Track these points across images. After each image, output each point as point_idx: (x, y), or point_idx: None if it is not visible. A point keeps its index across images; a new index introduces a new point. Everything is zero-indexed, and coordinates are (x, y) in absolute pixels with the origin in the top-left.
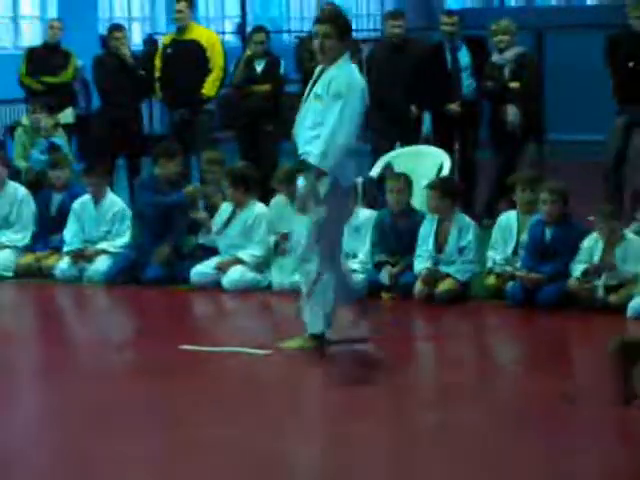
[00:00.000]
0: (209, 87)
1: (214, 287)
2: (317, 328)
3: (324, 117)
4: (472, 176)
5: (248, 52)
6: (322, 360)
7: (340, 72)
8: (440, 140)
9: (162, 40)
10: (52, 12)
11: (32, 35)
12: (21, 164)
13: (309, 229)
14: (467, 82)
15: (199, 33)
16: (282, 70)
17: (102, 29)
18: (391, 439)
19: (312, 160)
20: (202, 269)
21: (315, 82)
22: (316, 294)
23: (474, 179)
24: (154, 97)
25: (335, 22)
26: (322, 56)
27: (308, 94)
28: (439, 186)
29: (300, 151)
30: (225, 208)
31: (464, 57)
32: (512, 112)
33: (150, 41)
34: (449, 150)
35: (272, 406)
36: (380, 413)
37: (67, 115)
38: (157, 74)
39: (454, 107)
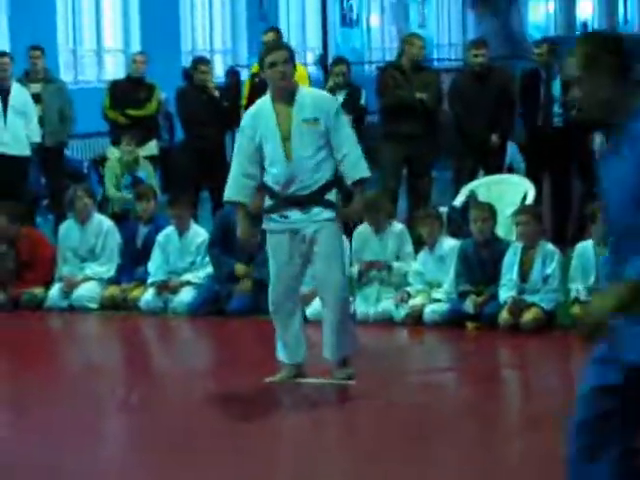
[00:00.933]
0: None
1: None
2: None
3: (333, 137)
4: (565, 205)
5: (330, 83)
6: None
7: (314, 92)
8: (529, 169)
9: (251, 69)
10: (135, 45)
11: (115, 68)
12: (114, 194)
13: None
14: (558, 112)
15: None
16: (363, 100)
17: (185, 61)
18: (478, 467)
19: (365, 174)
20: None
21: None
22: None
23: (567, 208)
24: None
25: (287, 48)
26: (286, 82)
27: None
28: (528, 211)
29: (310, 180)
30: None
31: (557, 87)
32: (599, 140)
33: (232, 73)
34: (537, 180)
35: (361, 435)
36: (466, 441)
37: (151, 147)
38: (244, 102)
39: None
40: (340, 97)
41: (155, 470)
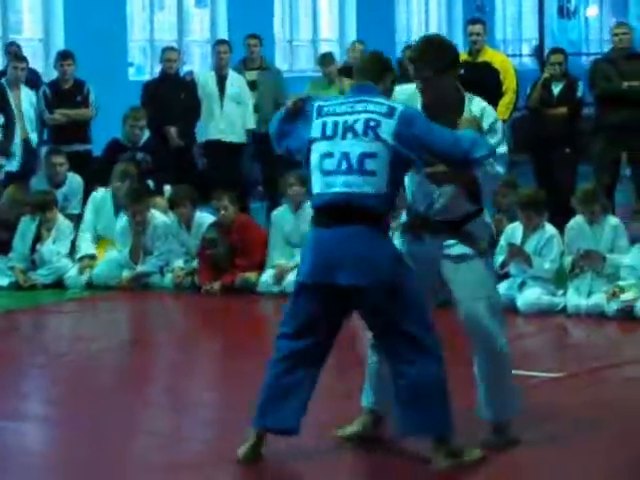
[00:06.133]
0: (503, 110)
1: (509, 309)
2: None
3: None
4: None
5: (546, 74)
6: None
7: None
8: None
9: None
10: (351, 35)
11: None
12: None
13: None
14: None
15: (492, 56)
16: (580, 93)
17: (399, 52)
18: None
19: None
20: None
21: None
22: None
23: None
24: None
25: None
26: None
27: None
28: None
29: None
30: (512, 230)
31: None
32: None
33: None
34: None
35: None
36: None
37: None
38: None
39: None
40: (556, 89)
41: None
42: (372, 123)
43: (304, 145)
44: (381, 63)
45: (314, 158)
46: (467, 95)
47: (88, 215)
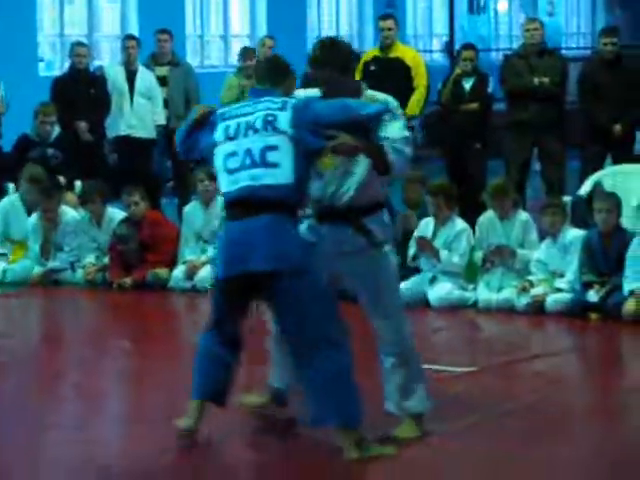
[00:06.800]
0: (413, 106)
1: (419, 305)
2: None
3: None
4: None
5: (457, 70)
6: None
7: None
8: None
9: (362, 57)
10: (262, 30)
11: None
12: None
13: None
14: None
15: (403, 52)
16: (490, 88)
17: (310, 46)
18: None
19: None
20: (407, 286)
21: None
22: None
23: None
24: None
25: None
26: None
27: None
28: None
29: None
30: (425, 225)
31: None
32: None
33: (357, 58)
34: None
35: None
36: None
37: None
38: None
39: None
40: (467, 85)
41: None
42: (270, 118)
43: (210, 152)
44: (279, 67)
45: (218, 160)
46: (370, 92)
47: None
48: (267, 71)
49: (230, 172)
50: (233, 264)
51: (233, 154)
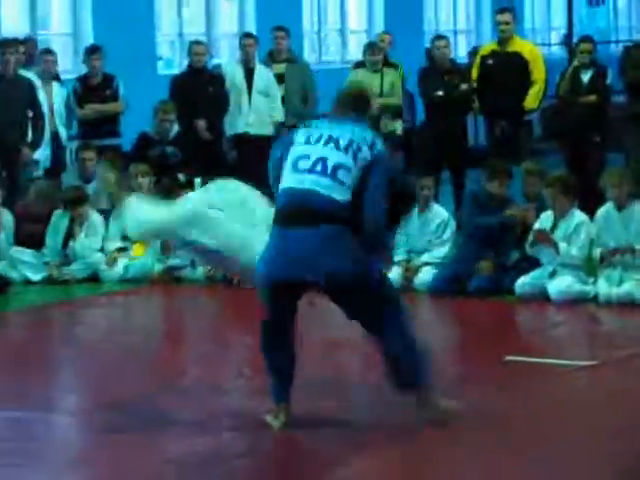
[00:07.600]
0: (532, 100)
1: (539, 298)
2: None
3: None
4: None
5: (575, 63)
6: None
7: None
8: None
9: (480, 51)
10: (379, 26)
11: (359, 49)
12: None
13: None
14: None
15: (521, 45)
16: (609, 80)
17: (427, 42)
18: None
19: None
20: (527, 280)
21: None
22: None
23: None
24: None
25: None
26: None
27: None
28: None
29: None
30: (545, 218)
31: None
32: None
33: (475, 53)
34: None
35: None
36: None
37: (397, 126)
38: (474, 85)
39: None
40: (585, 77)
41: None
42: (355, 145)
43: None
44: (363, 98)
45: (290, 157)
46: None
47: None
48: (354, 100)
49: (298, 171)
50: (288, 268)
51: (306, 156)
